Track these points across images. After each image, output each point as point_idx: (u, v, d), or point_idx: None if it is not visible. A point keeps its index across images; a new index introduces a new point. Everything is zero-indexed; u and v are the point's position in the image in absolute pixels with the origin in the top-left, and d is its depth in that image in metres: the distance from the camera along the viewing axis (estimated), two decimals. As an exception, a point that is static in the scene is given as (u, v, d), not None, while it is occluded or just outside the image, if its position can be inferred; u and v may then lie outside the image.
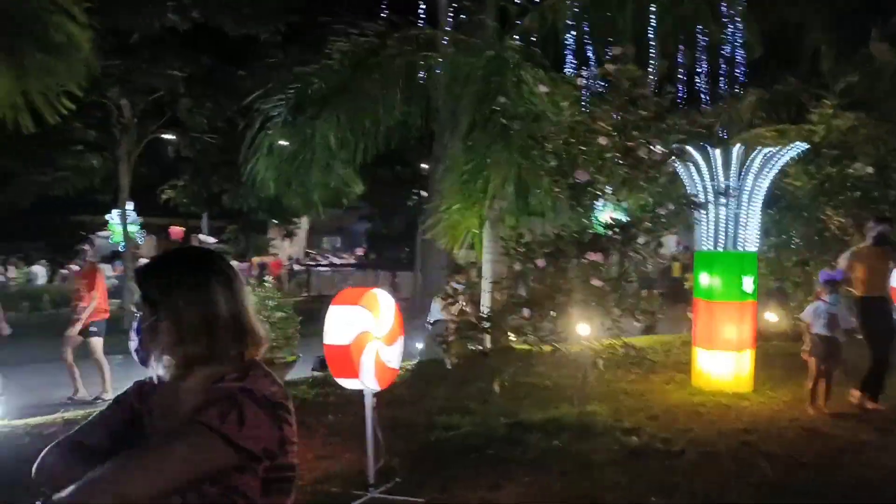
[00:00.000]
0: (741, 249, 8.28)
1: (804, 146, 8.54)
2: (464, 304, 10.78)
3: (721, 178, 8.06)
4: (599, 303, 6.09)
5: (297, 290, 29.77)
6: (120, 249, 26.88)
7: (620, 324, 6.43)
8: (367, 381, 5.05)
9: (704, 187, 8.10)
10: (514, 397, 7.86)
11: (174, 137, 17.18)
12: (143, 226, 33.51)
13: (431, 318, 10.88)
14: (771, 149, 8.02)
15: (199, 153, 17.14)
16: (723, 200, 7.99)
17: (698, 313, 8.63)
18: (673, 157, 6.38)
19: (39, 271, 25.31)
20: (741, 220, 8.22)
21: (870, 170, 10.68)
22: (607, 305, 6.16)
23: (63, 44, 6.28)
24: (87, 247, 9.48)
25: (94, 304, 9.06)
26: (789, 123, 13.33)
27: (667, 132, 6.51)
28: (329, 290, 28.82)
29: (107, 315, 9.36)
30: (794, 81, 15.88)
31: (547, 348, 6.88)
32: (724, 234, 8.26)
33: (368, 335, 5.06)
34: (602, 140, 6.36)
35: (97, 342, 9.13)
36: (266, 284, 9.03)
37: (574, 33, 11.50)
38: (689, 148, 7.12)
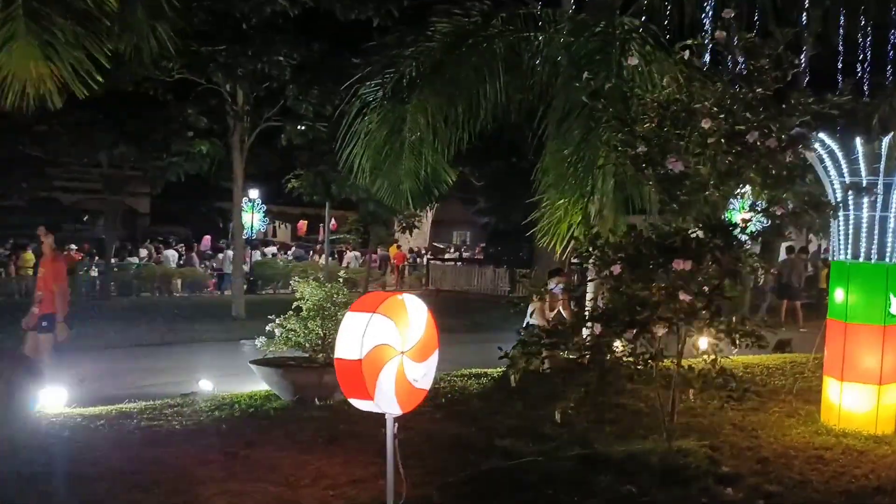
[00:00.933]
0: (888, 261, 6.79)
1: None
2: (562, 309, 9.70)
3: (864, 174, 6.63)
4: (688, 321, 4.95)
5: (417, 284, 29.50)
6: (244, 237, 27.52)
7: (720, 345, 5.26)
8: (383, 404, 4.22)
9: (841, 183, 6.69)
10: (599, 420, 6.80)
11: (285, 125, 16.96)
12: (267, 213, 34.37)
13: (525, 323, 9.93)
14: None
15: (311, 142, 16.89)
16: (864, 200, 6.56)
17: (831, 336, 7.19)
18: (795, 146, 5.11)
19: (171, 255, 26.22)
20: (889, 224, 6.74)
21: None
22: (697, 325, 5.01)
23: (85, 10, 5.83)
24: (41, 231, 8.32)
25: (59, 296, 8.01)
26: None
27: (788, 114, 5.25)
28: (447, 285, 28.42)
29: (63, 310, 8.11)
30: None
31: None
32: (866, 240, 6.81)
33: (388, 349, 4.22)
34: (705, 123, 5.20)
35: (46, 339, 8.06)
36: (339, 280, 8.34)
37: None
38: (817, 134, 5.81)
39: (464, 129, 10.38)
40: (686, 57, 5.75)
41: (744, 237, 5.10)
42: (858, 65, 24.78)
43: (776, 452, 6.25)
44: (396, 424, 4.42)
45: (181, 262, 26.59)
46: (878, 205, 6.72)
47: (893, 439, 6.68)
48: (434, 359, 4.56)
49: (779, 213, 5.16)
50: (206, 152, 16.07)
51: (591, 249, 5.20)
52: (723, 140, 5.17)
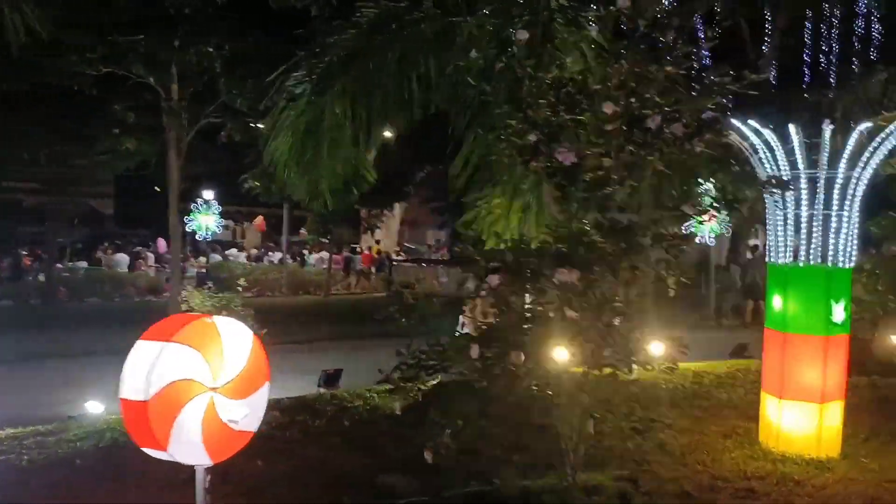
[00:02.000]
0: (830, 264, 6.07)
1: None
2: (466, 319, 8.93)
3: (801, 167, 5.90)
4: (576, 340, 4.17)
5: (382, 286, 28.60)
6: (199, 238, 26.59)
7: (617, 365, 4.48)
8: (182, 453, 3.41)
9: (773, 177, 5.95)
10: (501, 446, 6.02)
11: (226, 122, 16.07)
12: (224, 214, 33.31)
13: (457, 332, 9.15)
14: (868, 125, 5.79)
15: (255, 139, 15.99)
16: (803, 197, 5.83)
17: (769, 348, 6.46)
18: (705, 133, 4.34)
19: (122, 259, 25.25)
20: (831, 223, 6.00)
21: None
22: (588, 346, 4.22)
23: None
24: None
25: None
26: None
27: (701, 95, 4.47)
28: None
29: None
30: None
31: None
32: (805, 241, 6.07)
33: (191, 385, 3.41)
34: (606, 108, 4.43)
35: None
36: (239, 288, 7.50)
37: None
38: (733, 122, 5.07)
39: (390, 120, 9.59)
40: (594, 32, 4.98)
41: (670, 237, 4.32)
42: (822, 56, 24.18)
43: (702, 485, 5.50)
44: (209, 477, 3.62)
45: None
46: (819, 201, 5.99)
47: (837, 464, 5.96)
48: (262, 394, 3.76)
49: (689, 210, 4.40)
50: (133, 150, 15.14)
51: (475, 257, 4.39)
52: (624, 127, 4.40)
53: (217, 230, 26.11)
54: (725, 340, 12.85)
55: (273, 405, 7.94)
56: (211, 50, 13.66)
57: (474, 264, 4.27)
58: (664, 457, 6.10)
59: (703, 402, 8.30)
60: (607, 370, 4.60)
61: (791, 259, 6.15)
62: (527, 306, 4.42)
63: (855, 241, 6.12)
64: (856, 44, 22.98)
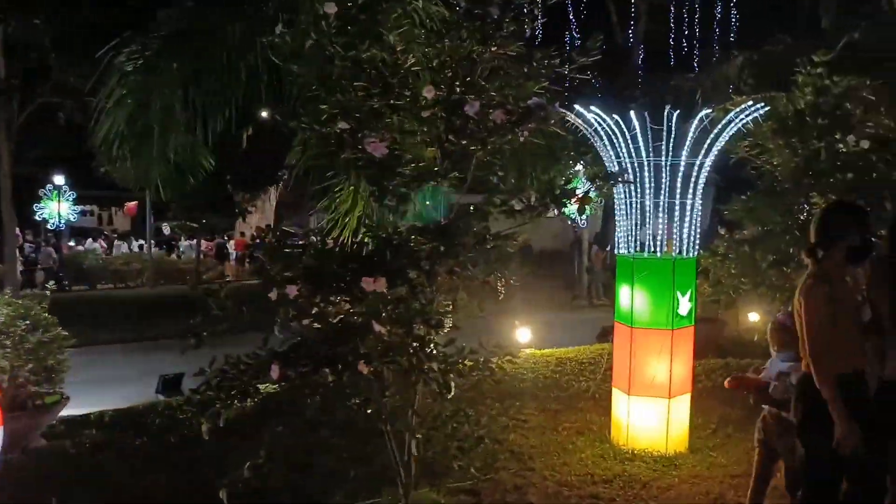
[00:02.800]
0: (675, 254, 5.87)
1: (758, 108, 6.06)
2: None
3: (644, 153, 5.64)
4: (390, 358, 3.68)
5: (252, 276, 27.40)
6: (50, 227, 24.68)
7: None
8: None
9: (621, 164, 5.67)
10: (341, 458, 5.54)
11: (64, 103, 14.71)
12: (89, 200, 31.23)
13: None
14: (710, 111, 5.60)
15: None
16: (647, 185, 5.57)
17: (618, 343, 6.24)
18: (529, 120, 3.93)
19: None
20: (676, 211, 5.80)
21: (866, 144, 8.18)
22: (403, 361, 3.74)
23: None
24: None
25: None
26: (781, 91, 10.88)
27: (527, 79, 4.06)
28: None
29: None
30: (788, 41, 13.33)
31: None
32: (651, 231, 5.85)
33: None
34: (427, 92, 3.95)
35: None
36: (26, 299, 6.57)
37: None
38: (577, 108, 4.71)
39: (231, 104, 8.81)
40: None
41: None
42: (685, 40, 24.74)
43: (547, 493, 5.19)
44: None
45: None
46: (664, 189, 5.77)
47: (685, 460, 5.80)
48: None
49: (518, 207, 3.99)
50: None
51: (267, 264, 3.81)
52: (443, 114, 3.94)
53: (72, 217, 24.30)
54: (595, 322, 12.84)
55: (94, 420, 7.13)
56: (38, 22, 12.35)
57: (269, 271, 3.70)
58: (512, 462, 5.76)
59: (561, 394, 8.10)
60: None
61: (637, 250, 5.92)
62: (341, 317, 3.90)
63: (698, 230, 5.95)
64: (716, 29, 23.72)
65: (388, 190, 3.95)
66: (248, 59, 8.49)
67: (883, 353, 3.62)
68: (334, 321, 3.74)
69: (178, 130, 8.62)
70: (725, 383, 4.46)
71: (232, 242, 30.00)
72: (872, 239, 3.86)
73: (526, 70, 4.12)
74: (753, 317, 11.23)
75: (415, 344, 3.60)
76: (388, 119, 3.96)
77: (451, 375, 3.81)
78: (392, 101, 4.03)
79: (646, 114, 5.79)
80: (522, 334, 12.00)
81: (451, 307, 3.95)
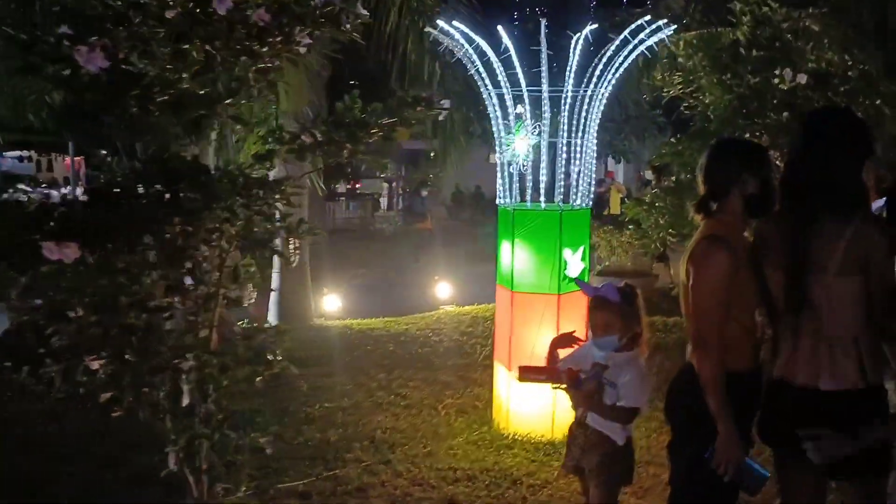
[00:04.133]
0: (561, 204, 4.92)
1: (663, 29, 5.02)
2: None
3: (524, 85, 4.63)
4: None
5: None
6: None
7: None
8: None
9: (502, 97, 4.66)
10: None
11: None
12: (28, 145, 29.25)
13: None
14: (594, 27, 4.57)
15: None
16: (527, 123, 4.57)
17: (500, 310, 5.31)
18: (322, 25, 2.89)
19: None
20: (561, 154, 4.82)
21: (803, 79, 7.25)
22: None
23: None
24: None
25: None
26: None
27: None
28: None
29: None
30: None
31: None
32: (532, 178, 4.87)
33: None
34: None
35: None
36: None
37: None
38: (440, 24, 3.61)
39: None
40: None
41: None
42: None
43: (394, 496, 4.28)
44: None
45: None
46: (545, 129, 4.77)
47: (572, 447, 4.93)
48: None
49: (307, 140, 2.97)
50: None
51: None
52: (196, 14, 2.88)
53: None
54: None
55: None
56: None
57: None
58: (370, 452, 4.85)
59: (460, 361, 7.18)
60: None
61: (517, 200, 4.95)
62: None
63: (593, 177, 4.99)
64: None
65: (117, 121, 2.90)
66: None
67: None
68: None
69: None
70: (514, 374, 3.40)
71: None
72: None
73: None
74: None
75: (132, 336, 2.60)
76: (124, 26, 2.88)
77: (211, 371, 2.83)
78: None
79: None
80: (442, 290, 11.11)
81: (217, 278, 2.95)
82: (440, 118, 2.92)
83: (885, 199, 3.43)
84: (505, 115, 4.84)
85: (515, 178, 4.91)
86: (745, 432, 2.69)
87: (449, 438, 5.10)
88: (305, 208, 8.81)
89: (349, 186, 24.84)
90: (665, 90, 9.38)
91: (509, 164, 4.92)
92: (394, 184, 26.96)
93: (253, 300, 3.69)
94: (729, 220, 2.74)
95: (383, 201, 26.72)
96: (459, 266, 12.99)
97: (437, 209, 22.46)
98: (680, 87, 9.07)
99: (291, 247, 7.87)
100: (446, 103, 2.88)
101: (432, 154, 12.95)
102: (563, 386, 3.21)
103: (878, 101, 7.52)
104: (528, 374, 3.37)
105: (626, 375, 3.09)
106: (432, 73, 10.35)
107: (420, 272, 12.41)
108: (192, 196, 2.73)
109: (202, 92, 3.00)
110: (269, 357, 2.97)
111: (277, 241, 3.05)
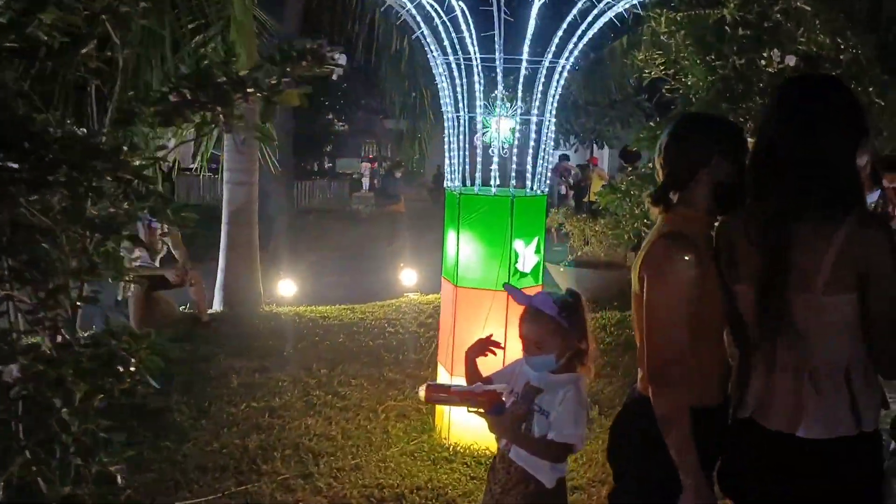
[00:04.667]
0: (515, 189, 4.36)
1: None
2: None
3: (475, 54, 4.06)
4: None
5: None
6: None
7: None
8: None
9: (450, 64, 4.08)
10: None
11: None
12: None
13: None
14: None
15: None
16: (477, 100, 4.01)
17: (444, 306, 4.76)
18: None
19: None
20: (515, 131, 4.26)
21: (791, 61, 6.74)
22: None
23: None
24: None
25: None
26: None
27: None
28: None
29: None
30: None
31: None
32: (481, 159, 4.31)
33: None
34: None
35: None
36: None
37: None
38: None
39: None
40: None
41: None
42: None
43: (305, 519, 3.75)
44: None
45: None
46: (496, 106, 4.20)
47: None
48: None
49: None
50: None
51: None
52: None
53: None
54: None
55: None
56: None
57: None
58: (290, 463, 4.31)
59: (413, 356, 6.64)
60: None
61: (464, 183, 4.40)
62: None
63: (551, 160, 4.44)
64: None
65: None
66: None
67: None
68: None
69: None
70: (421, 394, 2.79)
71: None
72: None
73: None
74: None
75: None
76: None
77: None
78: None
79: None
80: (408, 277, 10.57)
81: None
82: (333, 77, 2.33)
83: (879, 190, 2.89)
84: (453, 87, 4.27)
85: (464, 159, 4.34)
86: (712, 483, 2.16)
87: (383, 448, 4.57)
88: (255, 186, 8.22)
89: (324, 166, 24.19)
90: (646, 71, 8.83)
91: (455, 139, 4.35)
92: (375, 164, 26.36)
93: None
94: (693, 215, 2.19)
95: (365, 182, 26.09)
96: (431, 251, 12.46)
97: (419, 191, 21.86)
98: (662, 67, 8.51)
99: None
100: (342, 59, 2.29)
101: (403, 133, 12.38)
102: (481, 410, 2.64)
103: (870, 88, 7.02)
104: (436, 393, 2.82)
105: (561, 403, 2.54)
106: (401, 47, 9.72)
107: (391, 257, 11.84)
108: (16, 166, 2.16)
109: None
110: (121, 368, 2.39)
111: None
